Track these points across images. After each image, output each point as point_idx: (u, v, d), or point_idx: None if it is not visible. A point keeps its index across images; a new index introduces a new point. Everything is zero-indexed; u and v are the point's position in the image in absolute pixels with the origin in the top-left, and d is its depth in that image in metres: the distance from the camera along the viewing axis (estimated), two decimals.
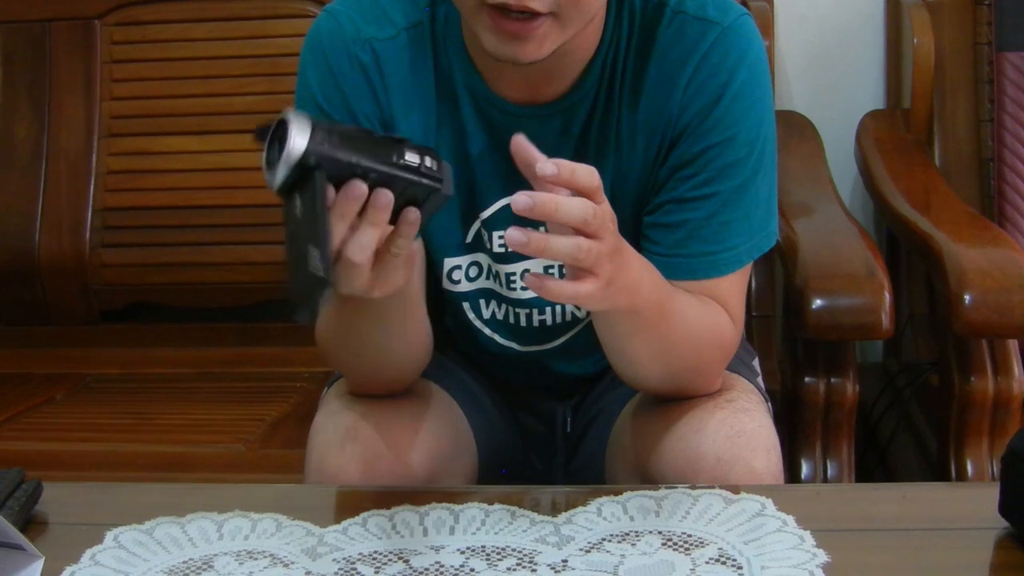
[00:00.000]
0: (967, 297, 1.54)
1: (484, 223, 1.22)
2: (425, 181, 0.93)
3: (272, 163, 0.91)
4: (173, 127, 2.09)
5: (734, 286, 1.19)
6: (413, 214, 0.95)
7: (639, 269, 1.06)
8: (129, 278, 2.09)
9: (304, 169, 0.90)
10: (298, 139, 0.89)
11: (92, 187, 2.09)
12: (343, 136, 0.91)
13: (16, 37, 2.12)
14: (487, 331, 1.30)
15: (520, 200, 0.92)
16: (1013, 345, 1.62)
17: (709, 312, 1.16)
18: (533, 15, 1.04)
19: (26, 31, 2.11)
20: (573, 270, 0.98)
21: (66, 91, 2.10)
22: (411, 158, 0.93)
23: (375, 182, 0.92)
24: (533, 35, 1.05)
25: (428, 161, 0.94)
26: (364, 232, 0.93)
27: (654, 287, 1.09)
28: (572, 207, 0.94)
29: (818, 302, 1.57)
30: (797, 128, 2.09)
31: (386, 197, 0.92)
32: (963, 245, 1.63)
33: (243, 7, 2.09)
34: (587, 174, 0.95)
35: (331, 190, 0.91)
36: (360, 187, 0.91)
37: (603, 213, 0.96)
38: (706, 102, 1.15)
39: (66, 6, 2.11)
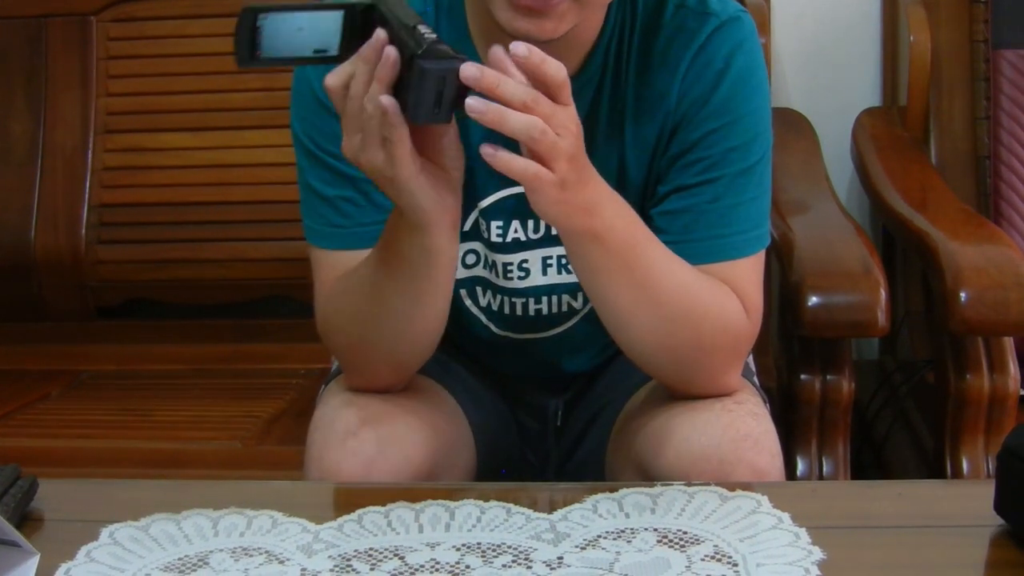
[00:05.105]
0: (963, 295, 1.54)
1: (482, 212, 1.23)
2: (411, 42, 0.97)
3: None
4: (169, 123, 2.09)
5: (748, 274, 1.18)
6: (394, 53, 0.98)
7: (602, 194, 1.07)
8: (125, 274, 2.09)
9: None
10: None
11: (88, 183, 2.08)
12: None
13: (12, 33, 2.11)
14: (483, 319, 1.30)
15: (467, 68, 0.95)
16: (1009, 343, 1.62)
17: (714, 288, 1.15)
18: None
19: (22, 27, 2.11)
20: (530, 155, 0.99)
21: (62, 87, 2.10)
22: (424, 30, 0.98)
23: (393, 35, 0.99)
24: (554, 12, 1.06)
25: (428, 33, 0.98)
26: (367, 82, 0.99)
27: (624, 223, 1.09)
28: (515, 87, 0.97)
29: (814, 299, 1.57)
30: (793, 125, 2.09)
31: (393, 56, 0.98)
32: (959, 242, 1.63)
33: (239, 3, 2.08)
34: (555, 66, 0.98)
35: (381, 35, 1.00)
36: (384, 37, 0.98)
37: (565, 114, 0.98)
38: (703, 89, 1.17)
39: (62, 2, 2.11)
